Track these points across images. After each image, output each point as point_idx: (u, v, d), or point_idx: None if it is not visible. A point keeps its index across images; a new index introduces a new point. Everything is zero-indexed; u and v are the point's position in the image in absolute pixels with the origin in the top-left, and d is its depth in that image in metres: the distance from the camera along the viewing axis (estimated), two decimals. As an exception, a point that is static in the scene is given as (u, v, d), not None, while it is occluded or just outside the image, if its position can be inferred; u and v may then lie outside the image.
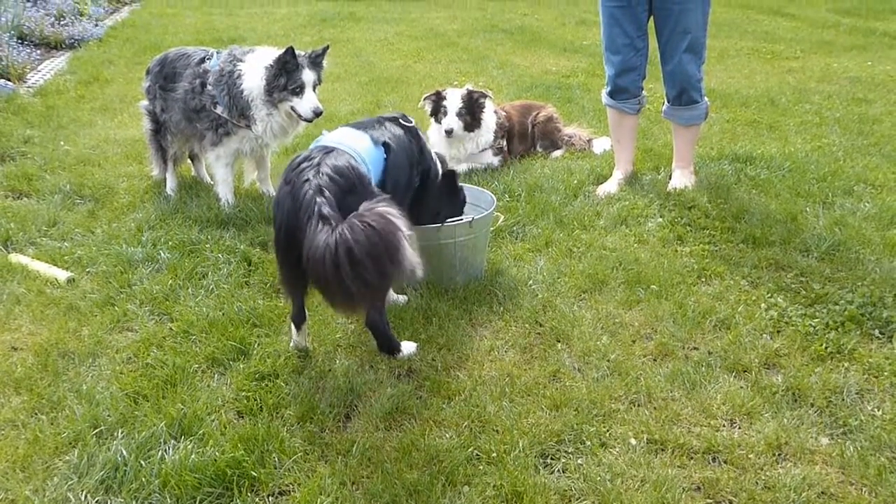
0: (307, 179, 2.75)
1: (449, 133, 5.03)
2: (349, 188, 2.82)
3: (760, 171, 4.92)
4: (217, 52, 4.43)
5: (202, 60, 4.41)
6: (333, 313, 3.32)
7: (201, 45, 5.01)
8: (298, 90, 4.09)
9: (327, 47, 4.25)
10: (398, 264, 2.55)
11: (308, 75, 4.09)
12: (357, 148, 3.03)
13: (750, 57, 8.90)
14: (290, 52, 4.02)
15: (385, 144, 3.18)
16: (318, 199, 2.67)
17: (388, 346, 3.07)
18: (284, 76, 4.07)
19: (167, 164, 4.79)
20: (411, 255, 2.59)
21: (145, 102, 4.75)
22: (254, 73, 4.16)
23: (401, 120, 3.43)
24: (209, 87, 4.29)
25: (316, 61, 4.16)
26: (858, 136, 5.71)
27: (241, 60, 4.25)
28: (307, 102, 4.11)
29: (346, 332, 3.26)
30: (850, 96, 6.92)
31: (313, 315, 3.26)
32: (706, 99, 4.68)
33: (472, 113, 5.10)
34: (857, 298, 3.38)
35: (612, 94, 4.78)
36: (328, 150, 2.92)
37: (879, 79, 7.60)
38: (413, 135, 3.43)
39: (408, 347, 3.09)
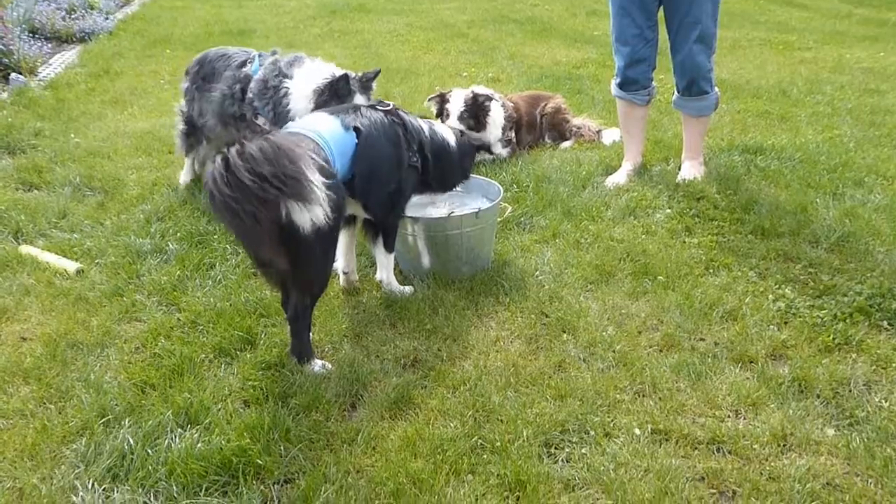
0: None
1: None
2: None
3: (771, 162, 4.89)
4: (259, 55, 4.27)
5: (243, 64, 4.26)
6: (338, 304, 3.34)
7: (210, 36, 5.00)
8: None
9: (378, 71, 4.10)
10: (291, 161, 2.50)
11: (360, 101, 3.91)
12: (322, 131, 2.98)
13: (762, 47, 8.83)
14: (345, 78, 3.91)
15: (356, 129, 3.12)
16: None
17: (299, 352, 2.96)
18: (336, 102, 3.86)
19: (193, 165, 4.73)
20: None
21: (182, 104, 4.62)
22: (301, 96, 3.98)
23: (378, 106, 3.35)
24: (250, 96, 4.13)
25: (366, 85, 4.00)
26: (870, 127, 5.66)
27: (287, 76, 4.04)
28: None
29: (353, 321, 3.27)
30: (862, 87, 6.85)
31: (319, 306, 3.27)
32: (717, 89, 4.64)
33: (475, 116, 5.04)
34: (866, 290, 3.35)
35: (621, 86, 4.74)
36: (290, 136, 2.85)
37: (892, 69, 7.52)
38: (394, 116, 3.34)
39: (317, 364, 2.96)
